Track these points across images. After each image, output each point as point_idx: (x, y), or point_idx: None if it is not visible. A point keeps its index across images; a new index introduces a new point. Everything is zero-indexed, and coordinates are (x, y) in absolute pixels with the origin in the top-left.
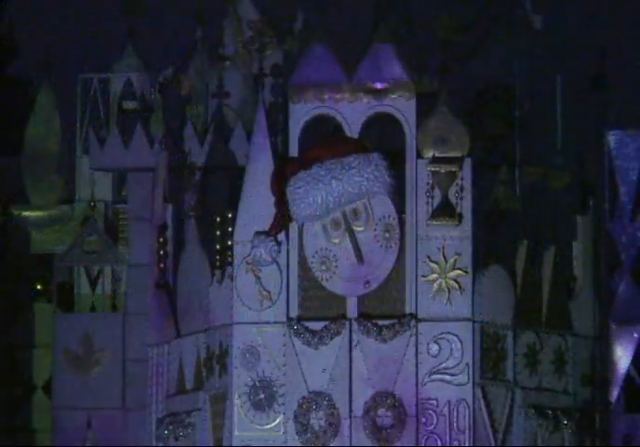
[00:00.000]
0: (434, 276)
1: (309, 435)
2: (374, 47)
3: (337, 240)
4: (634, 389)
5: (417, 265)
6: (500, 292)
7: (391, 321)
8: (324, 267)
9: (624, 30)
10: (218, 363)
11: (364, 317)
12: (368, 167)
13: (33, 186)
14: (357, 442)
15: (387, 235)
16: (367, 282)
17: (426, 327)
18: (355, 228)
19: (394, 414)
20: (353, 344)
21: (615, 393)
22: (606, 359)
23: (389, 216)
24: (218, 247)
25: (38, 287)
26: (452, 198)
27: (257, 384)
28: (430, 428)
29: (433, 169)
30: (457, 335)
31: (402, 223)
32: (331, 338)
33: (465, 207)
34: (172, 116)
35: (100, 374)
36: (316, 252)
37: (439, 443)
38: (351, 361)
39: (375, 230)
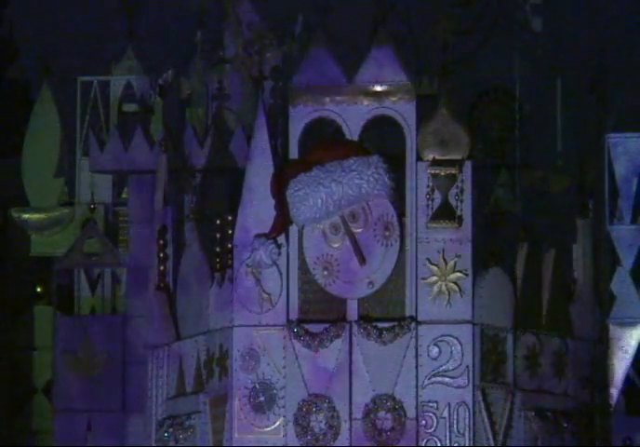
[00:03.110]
0: (434, 278)
1: (309, 437)
2: (374, 50)
3: (337, 244)
4: (634, 392)
5: (417, 268)
6: (500, 295)
7: (391, 324)
8: (326, 273)
9: (623, 32)
10: (218, 366)
11: (364, 319)
12: (368, 169)
13: (33, 189)
14: (357, 445)
15: (387, 233)
16: (371, 283)
17: (426, 329)
18: (354, 230)
19: (394, 417)
20: (353, 346)
21: (615, 395)
22: (606, 362)
23: (387, 214)
24: (218, 249)
25: (38, 289)
26: (452, 201)
27: (257, 386)
28: (430, 431)
29: (433, 171)
30: (457, 338)
31: (402, 225)
32: (331, 341)
33: (465, 209)
34: (172, 119)
35: (100, 377)
36: (318, 258)
37: (439, 445)
38: (351, 364)
39: (374, 230)
